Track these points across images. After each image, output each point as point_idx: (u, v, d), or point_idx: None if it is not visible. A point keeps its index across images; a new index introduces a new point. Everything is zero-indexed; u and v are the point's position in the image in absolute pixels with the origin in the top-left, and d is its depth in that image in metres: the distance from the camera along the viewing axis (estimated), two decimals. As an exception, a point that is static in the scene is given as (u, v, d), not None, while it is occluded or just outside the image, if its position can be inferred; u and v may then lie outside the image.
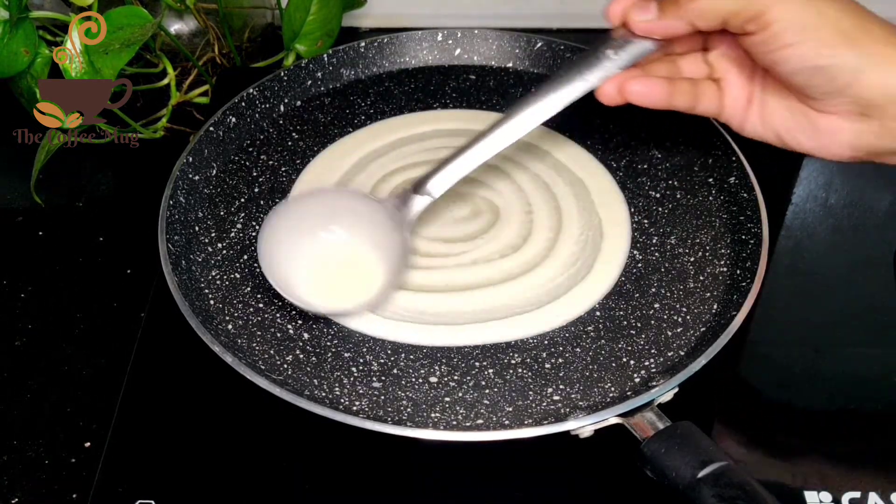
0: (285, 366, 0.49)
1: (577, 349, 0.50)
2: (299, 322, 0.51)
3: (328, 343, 0.50)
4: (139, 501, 0.45)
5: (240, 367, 0.46)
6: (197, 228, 0.57)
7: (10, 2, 0.56)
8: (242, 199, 0.59)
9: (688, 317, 0.51)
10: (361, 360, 0.49)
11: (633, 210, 0.58)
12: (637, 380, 0.48)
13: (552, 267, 0.54)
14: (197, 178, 0.59)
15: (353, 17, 0.81)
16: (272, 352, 0.50)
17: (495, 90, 0.68)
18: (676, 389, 0.45)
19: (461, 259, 0.55)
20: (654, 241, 0.56)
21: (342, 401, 0.47)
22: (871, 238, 0.62)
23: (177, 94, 0.71)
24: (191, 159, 0.59)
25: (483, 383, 0.48)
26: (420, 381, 0.48)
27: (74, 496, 0.47)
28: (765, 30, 0.45)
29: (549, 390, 0.48)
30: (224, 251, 0.56)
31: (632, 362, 0.49)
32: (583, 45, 0.68)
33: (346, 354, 0.50)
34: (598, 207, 0.58)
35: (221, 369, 0.46)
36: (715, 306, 0.52)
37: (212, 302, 0.52)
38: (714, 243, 0.55)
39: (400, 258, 0.52)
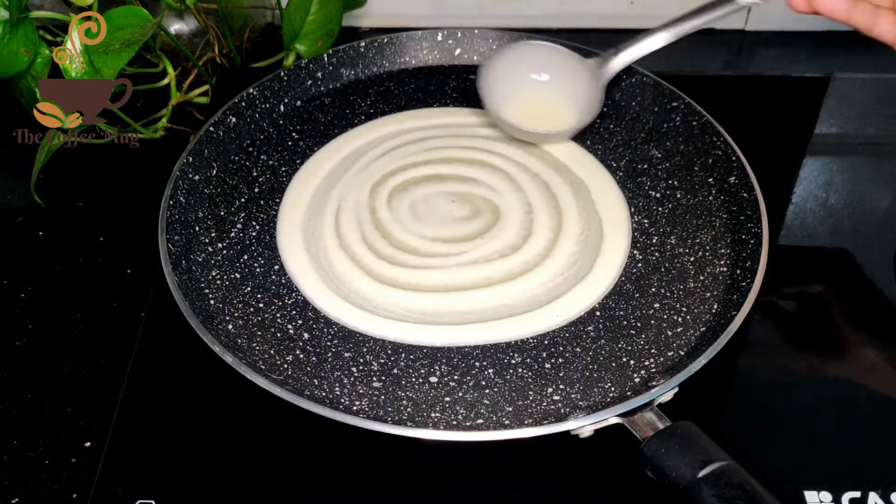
0: (285, 366, 0.49)
1: (577, 349, 0.50)
2: (299, 322, 0.51)
3: (328, 343, 0.50)
4: (139, 501, 0.45)
5: (240, 367, 0.46)
6: (197, 228, 0.57)
7: (11, 2, 0.56)
8: (242, 199, 0.59)
9: (688, 317, 0.51)
10: (362, 360, 0.49)
11: (633, 210, 0.58)
12: (637, 380, 0.48)
13: (552, 267, 0.54)
14: (197, 177, 0.59)
15: (353, 16, 0.81)
16: (272, 352, 0.50)
17: (495, 90, 0.68)
18: (676, 389, 0.45)
19: (461, 259, 0.55)
20: (654, 240, 0.56)
21: (342, 401, 0.47)
22: (871, 237, 0.62)
23: (177, 94, 0.71)
24: (191, 159, 0.59)
25: (483, 383, 0.48)
26: (420, 380, 0.48)
27: (74, 496, 0.47)
28: None
29: (550, 390, 0.48)
30: (224, 251, 0.56)
31: (632, 362, 0.49)
32: (583, 45, 0.69)
33: (346, 354, 0.50)
34: (598, 207, 0.58)
35: (222, 369, 0.46)
36: (715, 306, 0.52)
37: (212, 302, 0.52)
38: (714, 243, 0.55)
39: (589, 108, 0.63)
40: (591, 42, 0.69)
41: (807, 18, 0.81)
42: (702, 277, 0.53)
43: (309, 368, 0.49)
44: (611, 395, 0.47)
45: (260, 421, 0.49)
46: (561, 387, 0.48)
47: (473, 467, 0.47)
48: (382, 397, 0.47)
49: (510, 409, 0.47)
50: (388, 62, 0.70)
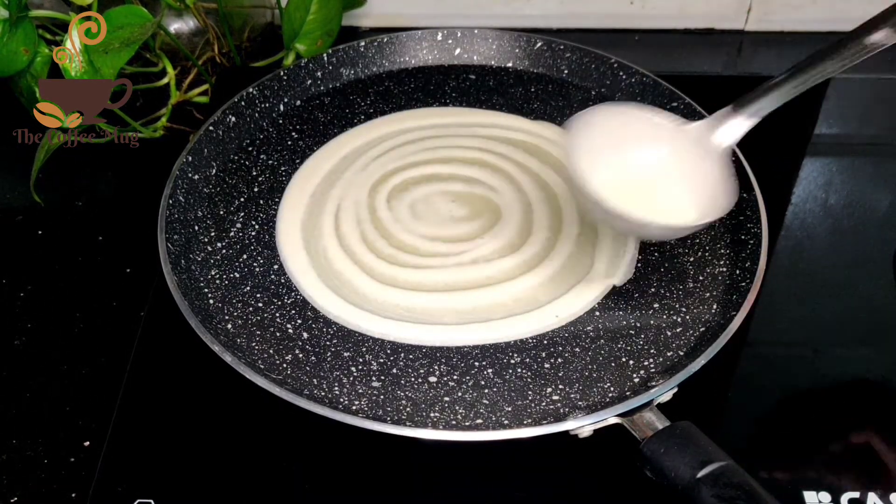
0: (284, 365, 0.49)
1: (577, 349, 0.50)
2: (298, 322, 0.51)
3: (328, 342, 0.50)
4: (138, 501, 0.45)
5: (239, 367, 0.46)
6: (196, 228, 0.57)
7: (10, 1, 0.56)
8: (242, 199, 0.59)
9: (687, 317, 0.51)
10: (361, 360, 0.49)
11: (632, 210, 0.58)
12: (636, 380, 0.48)
13: (551, 267, 0.54)
14: (197, 177, 0.59)
15: (352, 16, 0.81)
16: (271, 351, 0.50)
17: (495, 89, 0.68)
18: (676, 389, 0.46)
19: (461, 258, 0.55)
20: (653, 241, 0.56)
21: (342, 400, 0.47)
22: (871, 238, 0.62)
23: (176, 94, 0.71)
24: (190, 158, 0.59)
25: (482, 383, 0.48)
26: (419, 380, 0.48)
27: (73, 495, 0.47)
28: None
29: (549, 390, 0.48)
30: (224, 250, 0.56)
31: (631, 362, 0.49)
32: (582, 44, 0.69)
33: (345, 354, 0.50)
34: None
35: (221, 368, 0.46)
36: (714, 306, 0.52)
37: (211, 301, 0.52)
38: (713, 243, 0.55)
39: (710, 190, 0.49)
40: (590, 42, 0.70)
41: (807, 19, 0.82)
42: (701, 278, 0.54)
43: (308, 368, 0.49)
44: (610, 395, 0.47)
45: (259, 420, 0.49)
46: (560, 387, 0.48)
47: (473, 467, 0.47)
48: (382, 397, 0.47)
49: (509, 408, 0.47)
50: (388, 62, 0.70)
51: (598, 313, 0.52)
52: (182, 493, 0.46)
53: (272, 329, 0.51)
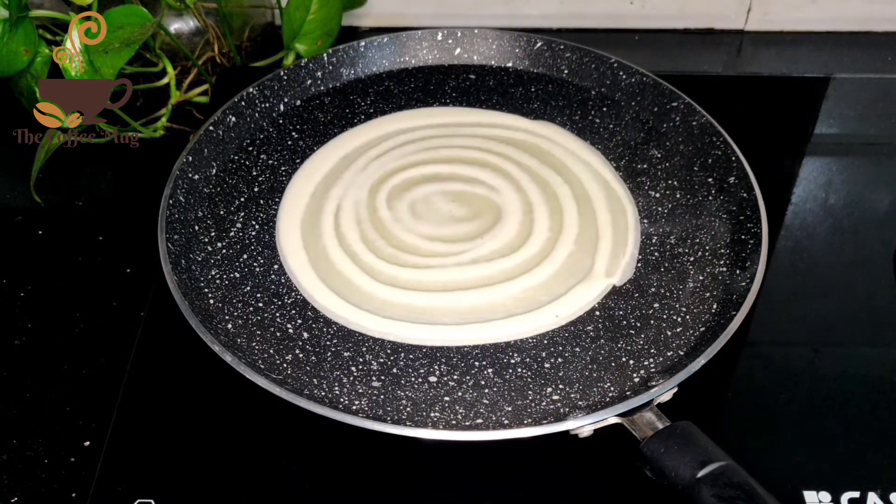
0: (285, 365, 0.49)
1: (577, 349, 0.50)
2: (299, 321, 0.51)
3: (328, 342, 0.50)
4: (138, 501, 0.45)
5: (239, 367, 0.46)
6: (197, 228, 0.57)
7: (10, 1, 0.56)
8: (242, 199, 0.59)
9: (687, 316, 0.51)
10: (361, 360, 0.49)
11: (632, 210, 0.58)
12: (636, 379, 0.48)
13: (552, 267, 0.54)
14: (197, 177, 0.59)
15: (352, 16, 0.81)
16: (272, 351, 0.50)
17: (495, 89, 0.68)
18: (676, 389, 0.45)
19: (461, 258, 0.55)
20: (653, 240, 0.56)
21: (342, 400, 0.47)
22: (871, 238, 0.62)
23: (177, 94, 0.71)
24: (190, 158, 0.59)
25: (482, 383, 0.48)
26: (420, 380, 0.48)
27: (74, 495, 0.47)
28: None
29: (549, 390, 0.48)
30: (224, 250, 0.56)
31: (631, 362, 0.49)
32: (582, 44, 0.69)
33: (345, 354, 0.50)
34: (599, 206, 0.58)
35: (221, 368, 0.46)
36: (714, 306, 0.52)
37: (211, 301, 0.52)
38: (714, 243, 0.55)
39: None
40: (590, 42, 0.70)
41: (807, 19, 0.82)
42: (701, 277, 0.53)
43: (308, 368, 0.49)
44: (610, 394, 0.47)
45: (259, 420, 0.49)
46: (560, 386, 0.48)
47: (473, 467, 0.47)
48: (382, 397, 0.47)
49: (509, 408, 0.47)
50: (388, 62, 0.70)
51: (598, 313, 0.52)
52: (182, 493, 0.46)
53: (272, 329, 0.51)
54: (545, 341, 0.50)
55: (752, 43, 0.82)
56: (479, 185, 0.60)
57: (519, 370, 0.49)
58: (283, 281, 0.54)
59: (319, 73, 0.68)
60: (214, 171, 0.61)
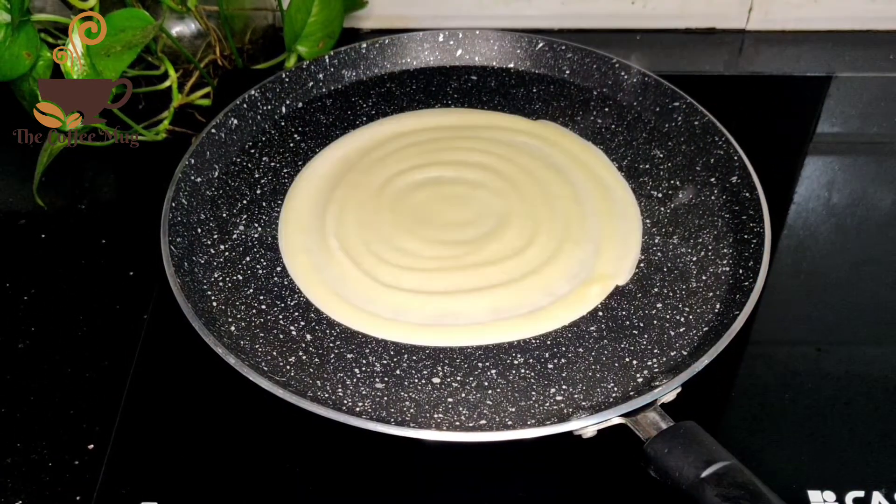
0: (288, 367, 0.49)
1: (580, 349, 0.50)
2: (302, 323, 0.51)
3: (331, 344, 0.50)
4: (142, 503, 0.45)
5: (243, 369, 0.46)
6: (199, 230, 0.57)
7: (12, 5, 0.56)
8: (245, 201, 0.59)
9: (690, 316, 0.51)
10: (364, 362, 0.49)
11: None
12: (640, 380, 0.48)
13: (554, 268, 0.54)
14: (199, 179, 0.59)
15: (354, 18, 0.81)
16: (275, 353, 0.50)
17: (497, 90, 0.68)
18: (679, 389, 0.45)
19: (464, 261, 0.55)
20: (656, 240, 0.56)
21: (345, 402, 0.47)
22: (874, 237, 0.62)
23: (178, 97, 0.71)
24: (193, 161, 0.59)
25: (486, 384, 0.48)
26: (423, 381, 0.48)
27: (78, 498, 0.47)
28: None
29: (552, 390, 0.48)
30: (226, 253, 0.56)
31: (634, 362, 0.49)
32: (584, 45, 0.69)
33: (349, 355, 0.50)
34: (601, 207, 0.58)
35: (224, 371, 0.46)
36: (717, 306, 0.52)
37: (214, 304, 0.52)
38: (716, 243, 0.55)
39: None
40: (592, 42, 0.70)
41: (808, 17, 0.82)
42: (704, 277, 0.53)
43: (312, 370, 0.49)
44: (613, 395, 0.47)
45: (263, 422, 0.49)
46: (564, 387, 0.48)
47: (476, 468, 0.47)
48: (385, 398, 0.47)
49: (513, 409, 0.47)
50: (390, 63, 0.70)
51: (601, 313, 0.52)
52: (186, 496, 0.46)
53: (275, 331, 0.51)
54: (548, 342, 0.50)
55: (753, 42, 0.82)
56: (481, 188, 0.60)
57: (522, 371, 0.49)
58: (285, 283, 0.54)
59: (321, 75, 0.68)
60: (217, 173, 0.61)
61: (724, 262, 0.54)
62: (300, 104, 0.67)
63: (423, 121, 0.66)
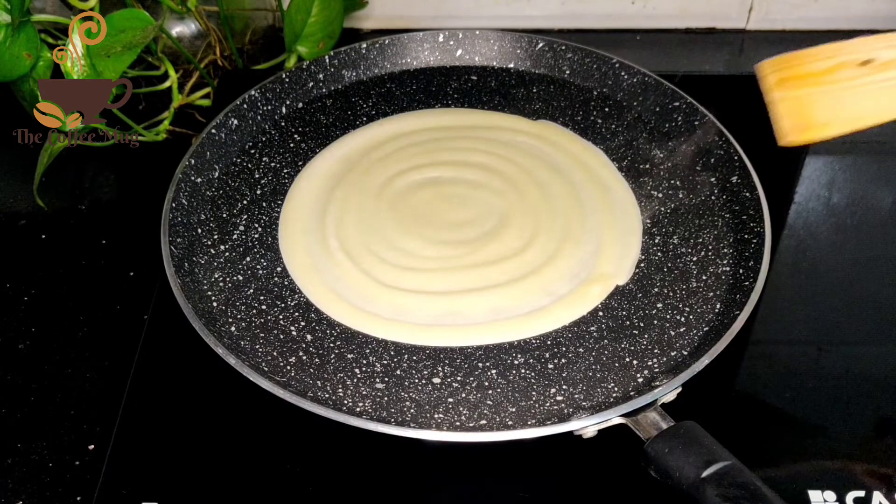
0: (288, 367, 0.49)
1: (580, 349, 0.50)
2: (302, 324, 0.51)
3: (331, 344, 0.50)
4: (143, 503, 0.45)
5: (243, 369, 0.46)
6: (199, 231, 0.57)
7: (13, 5, 0.56)
8: (245, 201, 0.59)
9: (691, 316, 0.51)
10: (364, 362, 0.49)
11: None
12: (640, 380, 0.48)
13: (555, 268, 0.54)
14: (199, 180, 0.60)
15: (354, 18, 0.81)
16: (275, 353, 0.50)
17: (497, 90, 0.68)
18: (680, 389, 0.45)
19: (464, 261, 0.55)
20: (656, 240, 0.56)
21: (345, 402, 0.47)
22: (874, 236, 0.62)
23: (179, 97, 0.71)
24: (193, 161, 0.59)
25: (486, 384, 0.48)
26: (423, 381, 0.48)
27: (78, 499, 0.47)
28: None
29: (553, 391, 0.48)
30: (227, 253, 0.56)
31: (635, 362, 0.49)
32: (584, 45, 0.69)
33: (349, 356, 0.50)
34: (602, 207, 0.58)
35: (225, 371, 0.46)
36: (718, 306, 0.52)
37: (215, 304, 0.52)
38: (717, 243, 0.55)
39: None
40: (593, 42, 0.70)
41: (809, 17, 0.82)
42: (704, 277, 0.53)
43: (312, 370, 0.49)
44: (614, 395, 0.47)
45: (263, 423, 0.49)
46: (564, 387, 0.48)
47: (477, 468, 0.47)
48: (385, 398, 0.47)
49: (513, 409, 0.47)
50: (390, 63, 0.70)
51: (601, 313, 0.52)
52: (186, 496, 0.46)
53: (276, 331, 0.51)
54: (549, 342, 0.50)
55: (753, 42, 0.82)
56: (481, 188, 0.60)
57: (523, 371, 0.49)
58: (286, 283, 0.54)
59: (321, 76, 0.68)
60: (217, 174, 0.61)
61: (725, 261, 0.54)
62: (300, 104, 0.67)
63: (424, 121, 0.66)
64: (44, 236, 0.63)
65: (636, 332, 0.51)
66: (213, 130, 0.62)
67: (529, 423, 0.46)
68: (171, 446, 0.48)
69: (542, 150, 0.63)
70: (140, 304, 0.57)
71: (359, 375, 0.49)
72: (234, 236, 0.57)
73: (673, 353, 0.49)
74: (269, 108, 0.66)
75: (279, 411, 0.45)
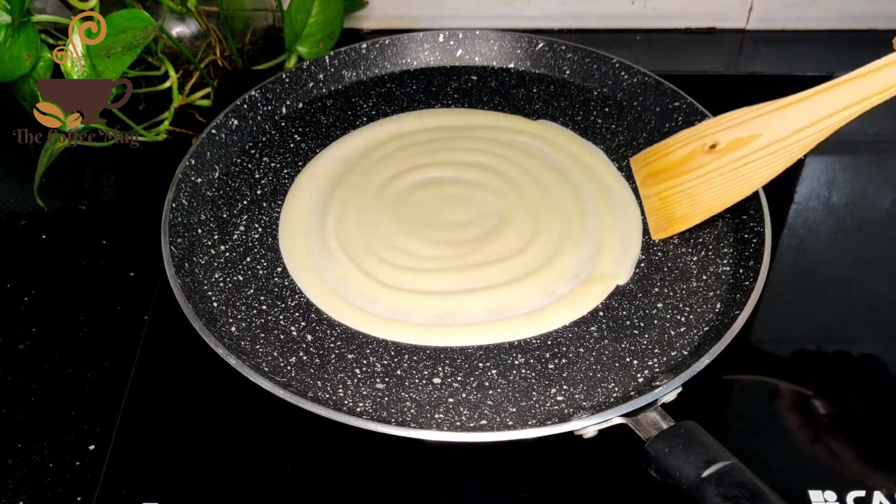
0: (289, 367, 0.49)
1: (581, 349, 0.50)
2: (302, 324, 0.52)
3: (332, 345, 0.50)
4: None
5: (243, 369, 0.46)
6: (200, 231, 0.57)
7: (13, 5, 0.56)
8: (245, 202, 0.59)
9: (691, 316, 0.51)
10: (365, 362, 0.49)
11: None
12: (640, 380, 0.48)
13: (555, 268, 0.54)
14: (199, 180, 0.60)
15: (354, 18, 0.81)
16: (276, 354, 0.50)
17: (497, 90, 0.68)
18: (680, 389, 0.45)
19: (464, 261, 0.55)
20: (656, 240, 0.56)
21: (346, 402, 0.47)
22: (874, 236, 0.62)
23: (179, 97, 0.71)
24: (193, 162, 0.59)
25: (486, 384, 0.48)
26: (424, 382, 0.48)
27: (79, 499, 0.47)
28: None
29: (553, 391, 0.48)
30: (227, 253, 0.56)
31: (635, 362, 0.49)
32: (584, 45, 0.69)
33: (349, 356, 0.50)
34: (602, 207, 0.58)
35: (225, 371, 0.46)
36: (718, 305, 0.52)
37: (215, 304, 0.52)
38: (717, 242, 0.55)
39: None
40: (593, 42, 0.70)
41: (808, 17, 0.82)
42: (705, 277, 0.53)
43: (312, 370, 0.49)
44: (614, 395, 0.47)
45: (264, 423, 0.49)
46: (564, 387, 0.48)
47: (477, 468, 0.47)
48: (386, 399, 0.47)
49: (514, 409, 0.47)
50: (390, 63, 0.71)
51: (601, 313, 0.52)
52: (187, 496, 0.46)
53: (276, 332, 0.51)
54: (549, 342, 0.50)
55: (753, 42, 0.82)
56: (481, 188, 0.60)
57: (523, 371, 0.49)
58: (286, 283, 0.54)
59: (321, 76, 0.68)
60: (217, 174, 0.61)
61: (725, 261, 0.54)
62: (300, 105, 0.67)
63: (424, 121, 0.66)
64: (44, 236, 0.63)
65: (636, 332, 0.51)
66: (214, 131, 0.62)
67: (530, 423, 0.46)
68: (172, 447, 0.48)
69: (542, 150, 0.63)
70: (140, 305, 0.57)
71: (359, 375, 0.49)
72: (235, 236, 0.57)
73: (673, 353, 0.49)
74: (270, 108, 0.66)
75: (279, 411, 0.45)
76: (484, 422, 0.46)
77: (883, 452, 0.48)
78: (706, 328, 0.50)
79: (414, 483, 0.47)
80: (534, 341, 0.50)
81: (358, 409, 0.46)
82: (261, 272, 0.55)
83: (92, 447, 0.50)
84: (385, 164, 0.62)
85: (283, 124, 0.66)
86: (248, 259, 0.55)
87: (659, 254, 0.55)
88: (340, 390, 0.48)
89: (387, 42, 0.70)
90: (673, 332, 0.51)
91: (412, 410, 0.47)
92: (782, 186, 0.65)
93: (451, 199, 0.59)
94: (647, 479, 0.43)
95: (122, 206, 0.67)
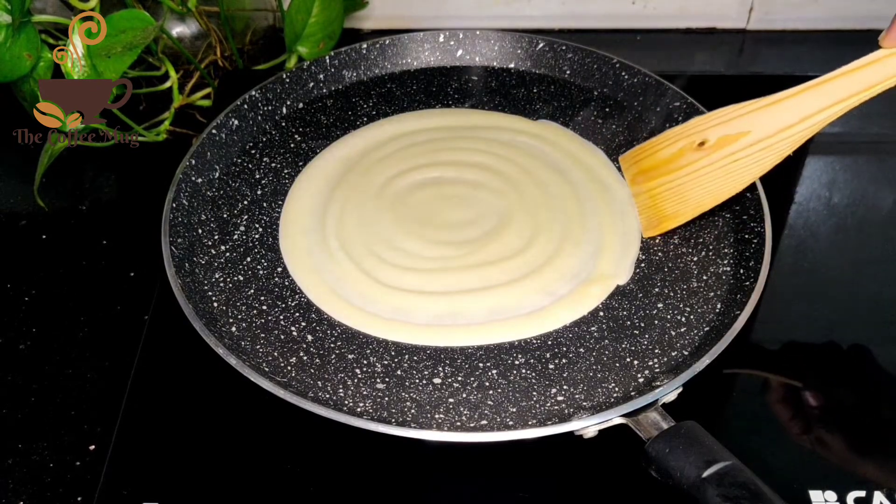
0: (289, 368, 0.49)
1: (581, 349, 0.50)
2: (303, 324, 0.52)
3: (332, 345, 0.50)
4: (144, 504, 0.45)
5: (244, 370, 0.46)
6: (200, 231, 0.57)
7: (13, 6, 0.56)
8: (245, 202, 0.59)
9: (691, 316, 0.51)
10: (365, 362, 0.49)
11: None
12: (641, 380, 0.48)
13: (555, 268, 0.54)
14: (200, 180, 0.60)
15: (354, 18, 0.81)
16: (276, 354, 0.50)
17: (497, 90, 0.68)
18: (680, 389, 0.45)
19: (465, 261, 0.55)
20: (656, 240, 0.56)
21: (346, 402, 0.47)
22: (875, 236, 0.62)
23: (179, 97, 0.71)
24: (193, 162, 0.59)
25: (487, 384, 0.48)
26: (424, 382, 0.48)
27: (79, 499, 0.47)
28: None
29: (553, 391, 0.48)
30: (227, 253, 0.56)
31: (635, 362, 0.49)
32: (584, 45, 0.69)
33: (349, 356, 0.50)
34: (602, 207, 0.58)
35: (225, 371, 0.46)
36: (718, 306, 0.52)
37: (215, 304, 0.52)
38: (717, 243, 0.55)
39: None
40: (593, 42, 0.70)
41: (808, 17, 0.82)
42: (705, 277, 0.53)
43: (313, 370, 0.49)
44: (614, 395, 0.47)
45: (264, 423, 0.49)
46: (565, 387, 0.48)
47: (478, 468, 0.47)
48: (386, 399, 0.47)
49: (514, 409, 0.47)
50: (390, 63, 0.71)
51: (602, 313, 0.52)
52: (187, 496, 0.46)
53: (276, 332, 0.51)
54: (549, 342, 0.50)
55: (753, 42, 0.82)
56: (482, 188, 0.60)
57: (523, 371, 0.49)
58: (286, 283, 0.54)
59: (321, 76, 0.68)
60: (217, 174, 0.61)
61: (725, 261, 0.54)
62: (301, 105, 0.67)
63: (424, 121, 0.66)
64: (44, 236, 0.63)
65: (637, 332, 0.51)
66: (214, 131, 0.62)
67: (530, 423, 0.46)
68: (172, 447, 0.48)
69: (542, 150, 0.63)
70: (140, 305, 0.57)
71: (359, 376, 0.49)
72: (235, 236, 0.57)
73: (673, 353, 0.49)
74: (270, 108, 0.66)
75: (280, 411, 0.45)
76: (484, 422, 0.46)
77: (883, 452, 0.48)
78: (706, 328, 0.50)
79: (414, 483, 0.47)
80: (534, 341, 0.50)
81: (358, 410, 0.46)
82: (261, 272, 0.55)
83: (92, 447, 0.50)
84: (385, 164, 0.62)
85: (283, 124, 0.66)
86: (249, 259, 0.55)
87: (659, 254, 0.55)
88: (341, 390, 0.48)
89: (387, 42, 0.70)
90: (673, 332, 0.51)
91: (412, 410, 0.47)
92: (783, 187, 0.65)
93: (452, 199, 0.59)
94: (648, 480, 0.43)
95: (123, 206, 0.67)
